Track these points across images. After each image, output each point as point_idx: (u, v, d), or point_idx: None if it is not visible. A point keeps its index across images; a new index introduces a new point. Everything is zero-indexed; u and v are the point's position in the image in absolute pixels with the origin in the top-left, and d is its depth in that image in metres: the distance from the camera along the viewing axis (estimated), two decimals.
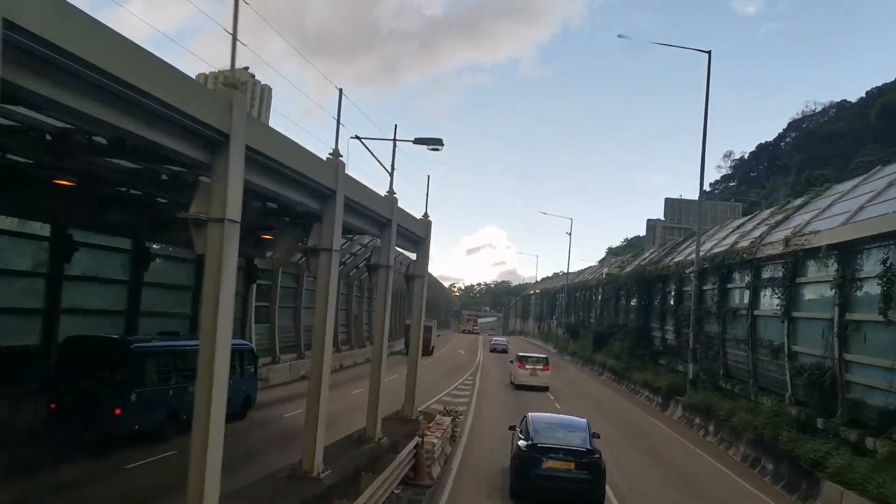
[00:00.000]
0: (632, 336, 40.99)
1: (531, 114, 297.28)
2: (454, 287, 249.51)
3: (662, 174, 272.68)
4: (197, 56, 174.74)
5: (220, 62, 10.92)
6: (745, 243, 25.21)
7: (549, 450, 13.05)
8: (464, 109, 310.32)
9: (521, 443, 13.65)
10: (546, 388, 32.40)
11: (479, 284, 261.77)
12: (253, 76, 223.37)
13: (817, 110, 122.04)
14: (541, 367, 33.44)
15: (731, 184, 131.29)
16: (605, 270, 56.96)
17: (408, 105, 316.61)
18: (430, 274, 68.33)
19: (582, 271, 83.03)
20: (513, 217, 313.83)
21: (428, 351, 50.02)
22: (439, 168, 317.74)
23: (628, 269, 50.35)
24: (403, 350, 53.95)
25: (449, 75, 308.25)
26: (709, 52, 27.74)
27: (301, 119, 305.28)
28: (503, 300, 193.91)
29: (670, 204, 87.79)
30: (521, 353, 36.34)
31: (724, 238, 30.18)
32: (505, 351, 58.76)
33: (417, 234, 20.21)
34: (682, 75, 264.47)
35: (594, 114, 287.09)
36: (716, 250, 27.93)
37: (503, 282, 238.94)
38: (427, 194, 34.16)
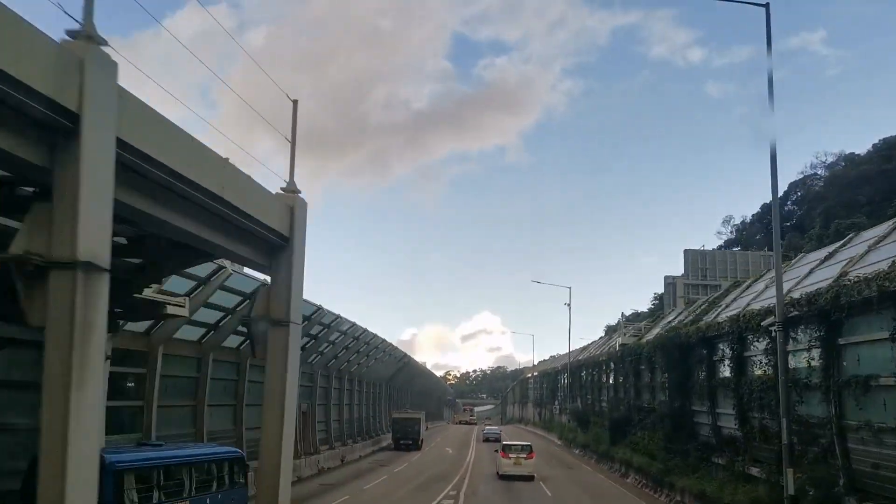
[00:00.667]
0: (664, 424, 31.83)
1: (519, 199, 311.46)
2: (449, 375, 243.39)
3: (652, 254, 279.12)
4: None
5: None
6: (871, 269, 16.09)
7: None
8: (454, 197, 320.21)
9: None
10: (532, 478, 32.26)
11: (474, 371, 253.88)
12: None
13: (827, 161, 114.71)
14: (524, 455, 33.38)
15: (735, 249, 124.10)
16: (619, 341, 47.10)
17: (398, 196, 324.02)
18: (417, 361, 62.31)
19: (585, 347, 73.72)
20: (506, 301, 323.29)
21: (417, 446, 48.79)
22: (432, 255, 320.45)
23: (649, 335, 41.18)
24: (391, 444, 50.48)
25: (437, 165, 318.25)
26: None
27: None
28: (500, 386, 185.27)
29: (692, 257, 73.59)
30: (505, 442, 38.17)
31: (809, 275, 21.21)
32: (498, 440, 55.20)
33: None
34: (663, 153, 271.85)
35: (580, 197, 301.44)
36: (808, 289, 18.75)
37: (499, 367, 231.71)
38: None
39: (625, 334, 47.78)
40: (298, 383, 33.76)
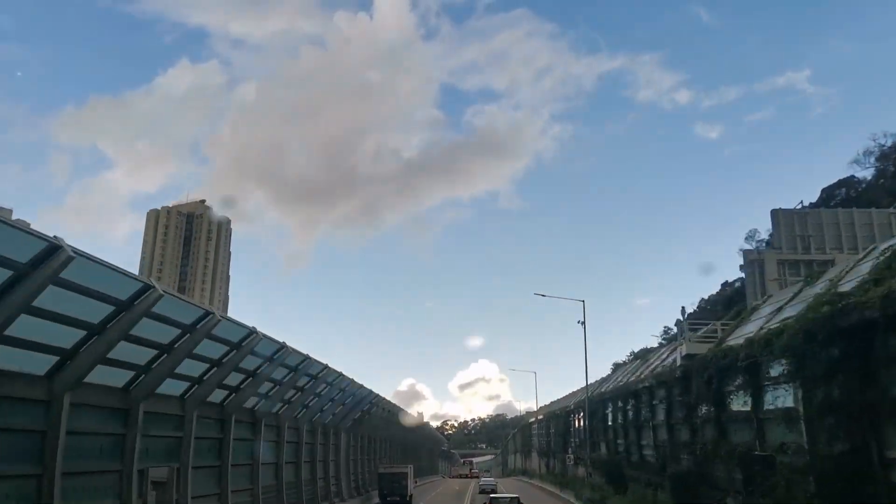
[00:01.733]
0: (810, 481, 19.47)
1: (513, 243, 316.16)
2: (446, 424, 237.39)
3: (647, 295, 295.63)
4: None
5: None
6: None
7: None
8: (447, 245, 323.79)
9: None
10: None
11: (473, 420, 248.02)
12: (209, 208, 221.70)
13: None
14: None
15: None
16: (681, 352, 33.02)
17: (391, 245, 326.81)
18: (401, 409, 58.23)
19: (605, 379, 62.58)
20: (504, 348, 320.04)
21: (405, 501, 47.85)
22: (426, 303, 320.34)
23: (736, 338, 29.14)
24: (377, 502, 48.55)
25: (429, 213, 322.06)
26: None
27: (287, 264, 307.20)
28: (500, 434, 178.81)
29: (785, 219, 51.48)
30: (492, 496, 39.34)
31: None
32: (494, 492, 52.97)
33: None
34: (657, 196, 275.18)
35: (573, 238, 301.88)
36: None
37: (499, 415, 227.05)
38: None
39: (688, 340, 33.11)
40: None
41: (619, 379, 53.48)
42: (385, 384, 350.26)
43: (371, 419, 51.73)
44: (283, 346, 26.96)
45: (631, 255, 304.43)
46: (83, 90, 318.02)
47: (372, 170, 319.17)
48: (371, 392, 46.94)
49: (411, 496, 49.84)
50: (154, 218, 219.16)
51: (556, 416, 72.49)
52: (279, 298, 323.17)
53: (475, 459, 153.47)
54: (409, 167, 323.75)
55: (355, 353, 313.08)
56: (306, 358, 30.37)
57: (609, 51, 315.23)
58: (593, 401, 50.50)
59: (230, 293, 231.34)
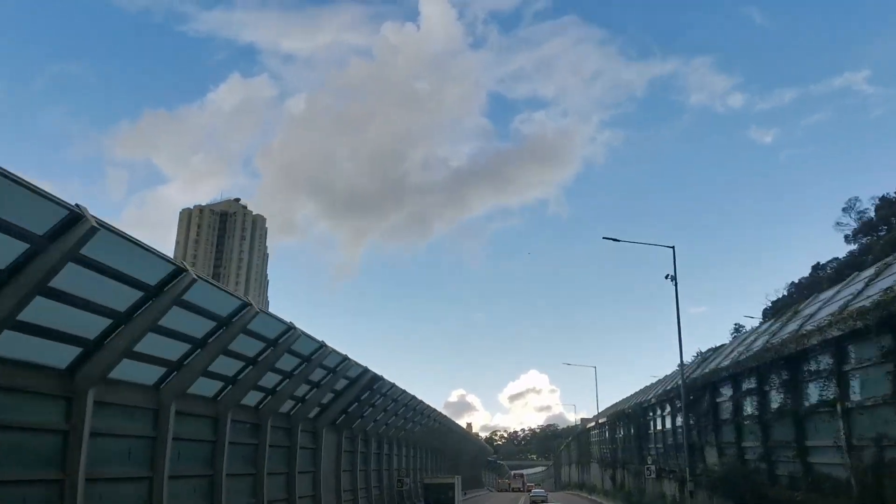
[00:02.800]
0: None
1: (563, 251, 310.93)
2: (495, 435, 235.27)
3: (702, 304, 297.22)
4: None
5: None
6: None
7: None
8: (496, 254, 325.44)
9: None
10: None
11: (523, 430, 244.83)
12: (244, 207, 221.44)
13: None
14: None
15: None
16: None
17: (440, 254, 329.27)
18: (448, 418, 56.19)
19: (705, 359, 43.14)
20: (553, 360, 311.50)
21: None
22: (475, 314, 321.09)
23: None
24: None
25: (478, 222, 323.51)
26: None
27: (333, 275, 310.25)
28: (551, 445, 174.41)
29: None
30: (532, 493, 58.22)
31: None
32: (545, 502, 63.02)
33: None
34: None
35: (620, 248, 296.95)
36: None
37: (550, 425, 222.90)
38: None
39: None
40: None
41: (743, 347, 33.89)
42: (435, 395, 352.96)
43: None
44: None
45: (683, 262, 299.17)
46: (137, 106, 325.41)
47: (420, 179, 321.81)
48: (410, 396, 45.46)
49: None
50: (186, 218, 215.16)
51: (627, 417, 55.97)
52: (327, 310, 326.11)
53: (525, 471, 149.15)
54: (458, 176, 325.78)
55: (404, 364, 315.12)
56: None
57: (660, 55, 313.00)
58: (695, 385, 35.56)
59: (269, 295, 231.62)
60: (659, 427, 47.17)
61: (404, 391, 41.70)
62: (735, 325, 69.05)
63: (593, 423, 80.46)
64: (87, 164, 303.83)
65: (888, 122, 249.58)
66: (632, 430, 53.98)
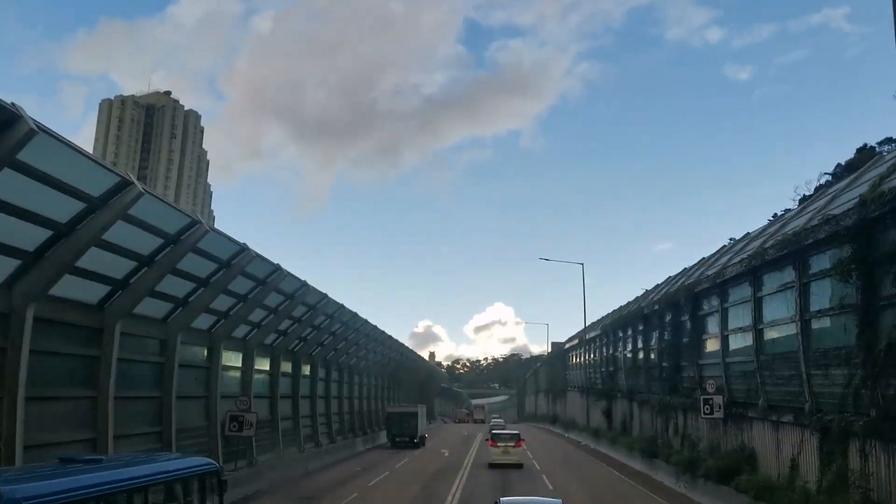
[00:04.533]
0: None
1: (535, 184, 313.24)
2: (458, 364, 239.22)
3: (667, 240, 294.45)
4: None
5: None
6: None
7: None
8: (467, 185, 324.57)
9: None
10: (520, 466, 33.83)
11: (485, 359, 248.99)
12: (176, 101, 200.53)
13: None
14: (512, 444, 34.82)
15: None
16: None
17: (410, 185, 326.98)
18: (392, 338, 54.38)
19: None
20: (520, 291, 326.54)
21: (415, 443, 48.34)
22: (442, 248, 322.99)
23: None
24: (387, 443, 49.86)
25: (450, 152, 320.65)
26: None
27: (301, 205, 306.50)
28: (515, 374, 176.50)
29: None
30: (493, 431, 40.04)
31: None
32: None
33: None
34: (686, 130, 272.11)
35: (594, 180, 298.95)
36: None
37: (514, 354, 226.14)
38: None
39: None
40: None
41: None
42: (402, 326, 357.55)
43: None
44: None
45: (652, 199, 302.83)
46: (93, 15, 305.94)
47: (391, 106, 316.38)
48: (366, 322, 44.77)
49: (423, 437, 50.41)
50: (107, 110, 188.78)
51: (646, 318, 36.50)
52: (294, 239, 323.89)
53: (488, 400, 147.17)
54: (430, 104, 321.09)
55: (371, 294, 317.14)
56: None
57: None
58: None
59: (214, 207, 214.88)
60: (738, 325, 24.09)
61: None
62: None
63: (576, 342, 65.27)
64: (40, 78, 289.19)
65: (864, 60, 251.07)
66: (661, 337, 33.51)
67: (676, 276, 37.33)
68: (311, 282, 29.83)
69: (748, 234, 28.79)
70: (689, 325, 29.31)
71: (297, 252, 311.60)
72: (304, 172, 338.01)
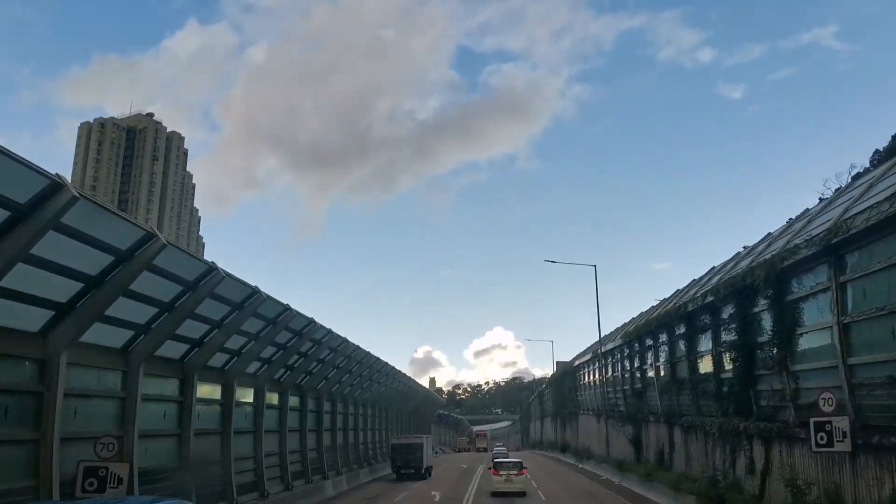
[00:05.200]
0: None
1: (530, 206, 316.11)
2: (458, 389, 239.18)
3: (665, 261, 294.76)
4: None
5: None
6: None
7: None
8: (463, 209, 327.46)
9: None
10: (524, 494, 34.44)
11: (486, 383, 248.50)
12: (158, 123, 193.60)
13: None
14: (515, 472, 35.34)
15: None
16: None
17: (405, 210, 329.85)
18: (390, 366, 51.83)
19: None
20: (521, 315, 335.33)
21: (421, 475, 47.55)
22: (442, 271, 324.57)
23: None
24: (391, 475, 49.13)
25: (445, 177, 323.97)
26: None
27: (297, 233, 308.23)
28: (518, 398, 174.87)
29: None
30: (496, 460, 39.05)
31: None
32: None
33: None
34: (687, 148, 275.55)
35: (591, 201, 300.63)
36: None
37: (516, 378, 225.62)
38: None
39: None
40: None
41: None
42: (401, 352, 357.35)
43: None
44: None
45: (650, 219, 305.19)
46: (87, 52, 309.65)
47: (386, 132, 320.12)
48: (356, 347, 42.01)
49: (429, 468, 49.70)
50: (86, 133, 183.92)
51: (689, 317, 29.81)
52: (292, 265, 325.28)
53: (490, 427, 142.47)
54: (425, 129, 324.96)
55: (369, 320, 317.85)
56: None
57: (629, 8, 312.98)
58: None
59: (201, 233, 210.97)
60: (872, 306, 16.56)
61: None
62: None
63: (588, 356, 58.23)
64: (35, 113, 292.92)
65: (854, 77, 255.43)
66: (717, 339, 26.70)
67: (730, 261, 30.22)
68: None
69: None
70: (769, 316, 21.75)
71: (294, 279, 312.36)
72: (299, 200, 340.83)
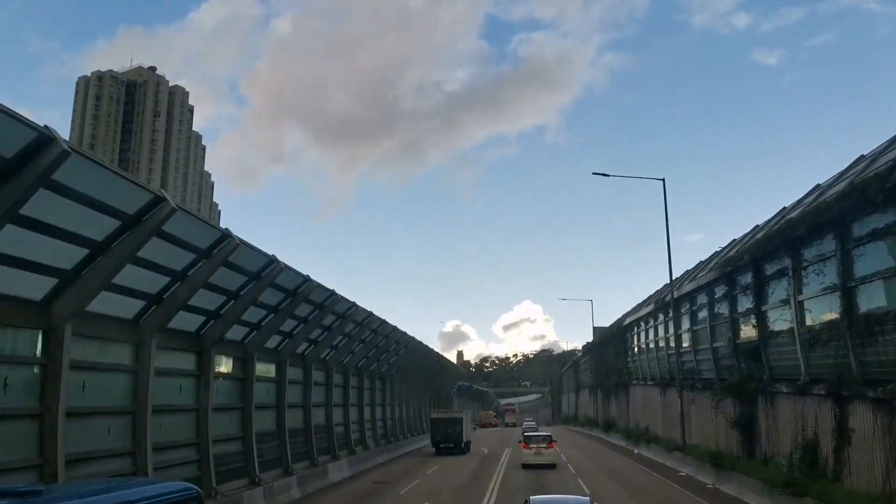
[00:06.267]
0: None
1: (561, 179, 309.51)
2: (486, 362, 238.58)
3: (696, 231, 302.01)
4: None
5: None
6: None
7: None
8: (492, 183, 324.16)
9: None
10: (553, 466, 35.02)
11: (514, 356, 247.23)
12: (160, 77, 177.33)
13: None
14: (545, 445, 36.34)
15: None
16: None
17: (434, 184, 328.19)
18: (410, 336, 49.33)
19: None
20: (548, 291, 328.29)
21: (461, 449, 47.59)
22: (469, 247, 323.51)
23: None
24: (431, 448, 48.74)
25: (474, 150, 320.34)
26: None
27: (323, 210, 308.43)
28: (548, 372, 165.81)
29: None
30: (525, 434, 40.56)
31: None
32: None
33: None
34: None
35: (624, 171, 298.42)
36: None
37: (545, 350, 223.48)
38: None
39: None
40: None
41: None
42: (430, 326, 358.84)
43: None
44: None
45: (682, 188, 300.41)
46: (112, 22, 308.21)
47: (413, 105, 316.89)
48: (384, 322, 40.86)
49: (468, 443, 49.64)
50: (83, 88, 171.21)
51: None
52: (319, 241, 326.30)
53: (518, 400, 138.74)
54: (453, 101, 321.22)
55: (399, 295, 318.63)
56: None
57: None
58: None
59: (215, 199, 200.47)
60: None
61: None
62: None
63: (648, 309, 44.90)
64: (61, 89, 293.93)
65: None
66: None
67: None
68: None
69: None
70: None
71: (323, 255, 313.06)
72: (327, 175, 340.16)
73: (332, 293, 29.49)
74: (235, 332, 24.12)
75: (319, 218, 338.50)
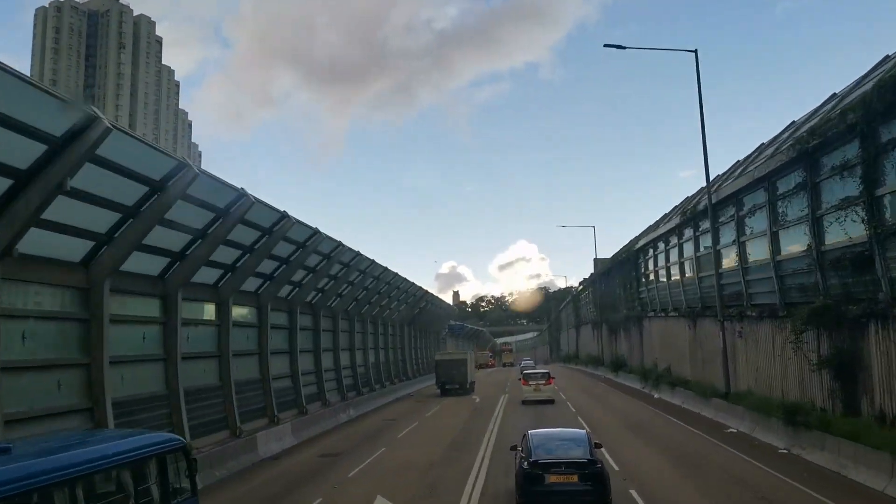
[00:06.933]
0: None
1: (553, 118, 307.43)
2: (482, 301, 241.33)
3: (690, 167, 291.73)
4: None
5: None
6: None
7: (550, 465, 13.80)
8: (485, 122, 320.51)
9: (523, 461, 14.37)
10: (552, 401, 36.57)
11: (510, 294, 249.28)
12: (124, 6, 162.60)
13: None
14: (543, 382, 38.30)
15: None
16: None
17: (427, 124, 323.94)
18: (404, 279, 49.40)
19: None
20: (543, 228, 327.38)
21: (465, 390, 47.86)
22: (466, 188, 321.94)
23: None
24: (436, 388, 49.09)
25: (466, 89, 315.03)
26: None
27: (319, 152, 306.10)
28: (545, 309, 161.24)
29: None
30: (524, 372, 43.52)
31: None
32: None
33: None
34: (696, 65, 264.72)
35: (616, 110, 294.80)
36: None
37: (542, 287, 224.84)
38: None
39: None
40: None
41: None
42: (426, 268, 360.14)
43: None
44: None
45: (677, 122, 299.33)
46: None
47: (404, 44, 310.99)
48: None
49: (472, 383, 49.97)
50: (42, 20, 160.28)
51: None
52: (313, 185, 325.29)
53: (515, 338, 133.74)
54: (443, 39, 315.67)
55: (394, 238, 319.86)
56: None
57: None
58: None
59: (194, 139, 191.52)
60: None
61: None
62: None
63: (673, 223, 36.49)
64: (22, 15, 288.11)
65: None
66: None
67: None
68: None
69: None
70: None
71: (316, 198, 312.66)
72: (318, 118, 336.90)
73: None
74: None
75: (313, 161, 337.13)
